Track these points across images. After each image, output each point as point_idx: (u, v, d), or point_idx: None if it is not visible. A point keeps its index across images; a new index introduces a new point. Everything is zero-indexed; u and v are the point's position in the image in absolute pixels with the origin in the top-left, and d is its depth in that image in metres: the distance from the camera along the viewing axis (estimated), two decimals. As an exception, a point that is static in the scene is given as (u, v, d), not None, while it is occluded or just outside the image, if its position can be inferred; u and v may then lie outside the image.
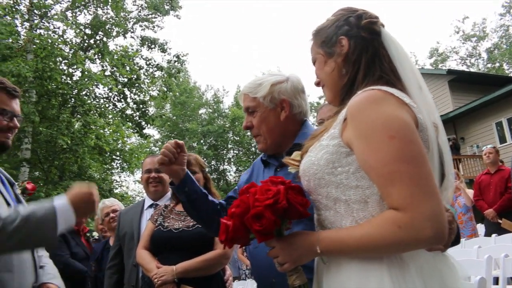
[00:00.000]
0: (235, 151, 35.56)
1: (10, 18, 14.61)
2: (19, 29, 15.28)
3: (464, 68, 36.76)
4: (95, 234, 5.20)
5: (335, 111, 1.59)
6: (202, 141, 33.91)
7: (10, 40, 13.58)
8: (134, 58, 17.24)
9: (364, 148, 1.34)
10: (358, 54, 1.55)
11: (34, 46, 13.94)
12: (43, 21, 15.98)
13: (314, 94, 35.42)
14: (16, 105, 2.27)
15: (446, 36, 63.40)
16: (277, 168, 2.23)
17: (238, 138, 34.35)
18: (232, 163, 35.29)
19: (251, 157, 34.63)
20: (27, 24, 15.80)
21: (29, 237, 1.85)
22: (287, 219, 1.45)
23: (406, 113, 1.36)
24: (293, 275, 1.48)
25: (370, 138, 1.33)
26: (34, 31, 14.82)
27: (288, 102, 2.19)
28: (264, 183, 1.47)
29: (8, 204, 2.11)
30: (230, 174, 35.00)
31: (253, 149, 34.76)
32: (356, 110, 1.39)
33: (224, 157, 35.16)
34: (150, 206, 3.73)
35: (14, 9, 15.27)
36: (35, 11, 15.92)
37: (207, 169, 3.46)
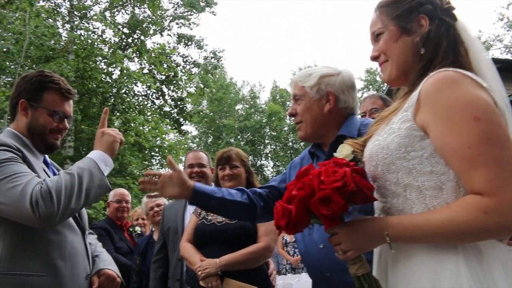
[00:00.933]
0: (272, 146, 35.52)
1: (52, 21, 15.04)
2: (60, 30, 15.69)
3: (509, 56, 35.38)
4: (138, 229, 5.28)
5: (405, 93, 1.52)
6: (239, 136, 34.01)
7: (53, 42, 13.98)
8: (171, 55, 17.44)
9: (444, 130, 1.27)
10: (440, 36, 1.48)
11: (75, 47, 14.31)
12: (83, 22, 16.36)
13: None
14: (68, 106, 2.29)
15: (489, 24, 61.25)
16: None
17: (275, 133, 34.29)
18: (269, 158, 35.28)
19: (288, 152, 34.50)
20: (68, 26, 16.20)
21: (90, 189, 1.99)
22: (352, 203, 1.35)
23: (486, 94, 1.30)
24: (356, 264, 1.39)
25: (452, 119, 1.26)
26: (74, 32, 15.18)
27: (334, 95, 2.20)
28: (325, 165, 1.37)
29: None
30: (268, 169, 35.00)
31: (290, 143, 34.64)
32: (433, 91, 1.32)
33: (262, 152, 35.17)
34: None
35: (55, 12, 15.72)
36: (75, 12, 16.32)
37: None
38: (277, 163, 34.37)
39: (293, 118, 2.30)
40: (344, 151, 1.57)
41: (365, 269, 1.39)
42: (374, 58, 1.63)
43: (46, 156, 2.34)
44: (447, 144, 1.27)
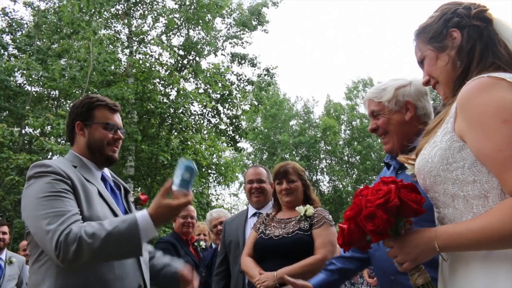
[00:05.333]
0: (327, 161, 35.16)
1: (113, 47, 15.80)
2: (120, 56, 16.44)
3: None
4: (203, 243, 5.42)
5: (448, 104, 1.55)
6: (294, 152, 33.93)
7: (113, 67, 14.68)
8: (225, 74, 17.77)
9: (477, 137, 1.30)
10: (472, 43, 1.51)
11: (134, 71, 14.92)
12: (141, 46, 17.08)
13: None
14: (118, 119, 2.52)
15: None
16: (398, 171, 2.29)
17: (330, 148, 33.95)
18: (325, 173, 34.91)
19: (344, 166, 34.01)
20: (127, 51, 16.95)
21: (115, 250, 2.01)
22: (402, 217, 1.44)
23: None
24: (415, 274, 1.46)
25: (483, 125, 1.28)
26: (133, 57, 15.85)
27: (412, 104, 2.29)
28: (376, 184, 1.48)
29: (114, 213, 2.27)
30: (324, 184, 34.62)
31: (346, 157, 34.16)
32: (465, 99, 1.35)
33: (317, 167, 34.87)
34: (254, 214, 3.85)
35: (116, 38, 16.51)
36: (134, 38, 17.08)
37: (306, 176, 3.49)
38: (333, 177, 33.92)
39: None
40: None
41: (425, 278, 1.44)
42: (426, 83, 1.69)
43: (105, 171, 2.51)
44: (481, 150, 1.29)
